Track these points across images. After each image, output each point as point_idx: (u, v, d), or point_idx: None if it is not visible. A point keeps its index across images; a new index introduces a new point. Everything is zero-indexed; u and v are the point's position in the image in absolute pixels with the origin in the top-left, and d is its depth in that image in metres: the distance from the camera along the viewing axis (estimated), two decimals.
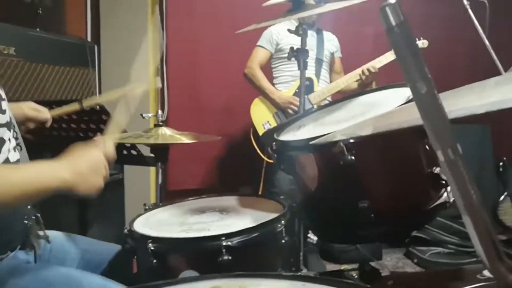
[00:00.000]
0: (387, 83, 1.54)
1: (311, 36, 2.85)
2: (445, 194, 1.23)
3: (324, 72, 2.85)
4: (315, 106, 2.67)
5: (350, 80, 2.72)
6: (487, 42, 2.08)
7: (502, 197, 2.65)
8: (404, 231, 1.39)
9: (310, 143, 1.14)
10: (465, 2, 2.11)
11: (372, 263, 1.71)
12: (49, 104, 1.71)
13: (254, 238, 1.28)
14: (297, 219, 1.49)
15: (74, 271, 1.16)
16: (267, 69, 2.92)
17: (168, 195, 3.00)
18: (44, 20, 2.61)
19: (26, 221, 1.18)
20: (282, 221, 1.36)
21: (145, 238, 1.30)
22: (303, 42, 1.87)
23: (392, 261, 2.89)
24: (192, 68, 3.23)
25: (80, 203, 2.48)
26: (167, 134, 1.89)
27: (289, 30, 1.92)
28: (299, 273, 1.46)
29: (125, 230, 1.42)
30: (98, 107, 1.77)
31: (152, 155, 2.00)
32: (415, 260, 2.86)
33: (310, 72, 2.76)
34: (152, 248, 1.27)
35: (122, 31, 3.24)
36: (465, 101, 0.44)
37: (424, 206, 1.22)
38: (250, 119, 2.80)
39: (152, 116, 2.36)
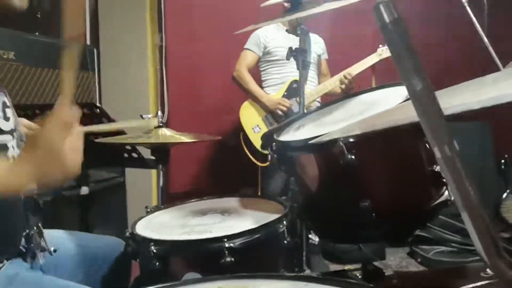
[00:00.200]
0: (386, 81, 1.54)
1: (297, 38, 2.87)
2: (446, 192, 1.22)
3: (312, 74, 2.87)
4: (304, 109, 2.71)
5: (336, 82, 2.72)
6: (485, 39, 2.08)
7: (504, 195, 2.64)
8: (405, 230, 1.39)
9: (310, 143, 1.14)
10: (464, 0, 2.11)
11: (376, 263, 1.70)
12: (49, 108, 1.71)
13: (256, 239, 1.28)
14: (299, 219, 1.49)
15: (72, 285, 1.15)
16: (257, 72, 2.93)
17: (170, 197, 3.00)
18: (43, 24, 2.62)
19: (27, 230, 1.17)
20: (284, 222, 1.36)
21: (147, 240, 1.30)
22: (302, 42, 1.88)
23: (395, 261, 2.88)
24: (191, 69, 3.23)
25: (82, 206, 2.48)
26: (167, 135, 1.89)
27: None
28: (302, 274, 1.46)
29: (127, 233, 1.42)
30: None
31: (153, 157, 2.00)
32: (419, 259, 2.85)
33: (296, 75, 2.78)
34: (155, 250, 1.27)
35: (121, 34, 3.25)
36: (462, 98, 0.44)
37: (425, 205, 1.22)
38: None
39: (152, 117, 2.36)
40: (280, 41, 2.81)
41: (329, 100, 2.37)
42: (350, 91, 2.67)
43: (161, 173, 2.25)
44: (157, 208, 1.69)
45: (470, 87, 0.55)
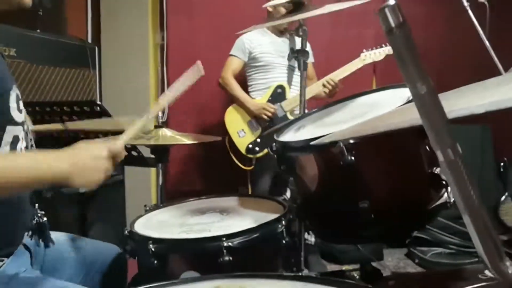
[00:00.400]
0: (387, 83, 1.54)
1: (283, 42, 2.90)
2: (446, 195, 1.22)
3: (297, 79, 2.88)
4: (288, 113, 2.75)
5: (320, 87, 2.73)
6: (487, 43, 2.08)
7: (503, 198, 2.65)
8: (404, 231, 1.39)
9: (310, 143, 1.14)
10: (465, 3, 2.11)
11: (374, 264, 1.71)
12: (50, 106, 1.72)
13: (254, 239, 1.28)
14: (298, 219, 1.50)
15: (72, 286, 1.15)
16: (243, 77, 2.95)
17: (169, 196, 3.00)
18: (45, 22, 2.62)
19: (38, 218, 1.19)
20: (283, 222, 1.36)
21: (146, 239, 1.30)
22: (304, 43, 1.88)
23: (393, 262, 2.89)
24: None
25: (81, 204, 2.48)
26: (167, 135, 1.89)
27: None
28: (300, 274, 1.46)
29: (126, 231, 1.42)
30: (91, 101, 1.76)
31: (152, 156, 2.00)
32: (417, 261, 2.86)
33: (282, 80, 2.81)
34: (153, 249, 1.27)
35: (123, 32, 3.25)
36: (464, 101, 0.44)
37: (425, 207, 1.22)
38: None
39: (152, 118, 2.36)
40: (265, 47, 2.84)
41: (315, 104, 2.38)
42: (334, 95, 2.68)
43: (161, 171, 2.25)
44: (156, 207, 1.69)
45: (472, 91, 0.55)
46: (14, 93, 1.09)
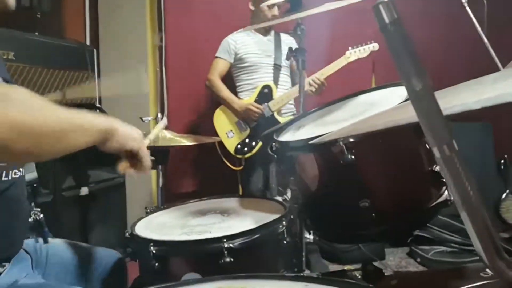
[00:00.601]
0: (386, 81, 1.54)
1: (268, 41, 2.92)
2: (446, 192, 1.22)
3: (284, 78, 2.89)
4: (276, 113, 2.76)
5: (307, 86, 2.73)
6: (485, 40, 2.07)
7: (504, 195, 2.64)
8: (405, 230, 1.39)
9: (310, 143, 1.14)
10: (463, 0, 2.11)
11: (375, 263, 1.71)
12: None
13: (255, 240, 1.28)
14: (298, 219, 1.49)
15: None
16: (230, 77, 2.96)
17: (169, 198, 2.99)
18: (43, 24, 2.61)
19: (35, 216, 1.19)
20: (284, 222, 1.36)
21: (147, 241, 1.30)
22: (301, 42, 1.87)
23: (395, 261, 2.88)
24: (191, 69, 3.23)
25: (82, 206, 2.48)
26: (167, 137, 1.89)
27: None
28: (301, 274, 1.46)
29: (127, 234, 1.42)
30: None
31: (152, 158, 2.00)
32: (418, 260, 2.85)
33: (268, 80, 2.82)
34: (154, 251, 1.27)
35: (121, 34, 3.25)
36: (461, 98, 0.44)
37: (425, 205, 1.22)
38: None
39: (152, 120, 2.37)
40: (250, 47, 2.85)
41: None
42: (321, 92, 2.69)
43: (161, 173, 2.25)
44: (156, 209, 1.69)
45: (469, 87, 0.55)
46: None
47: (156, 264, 1.26)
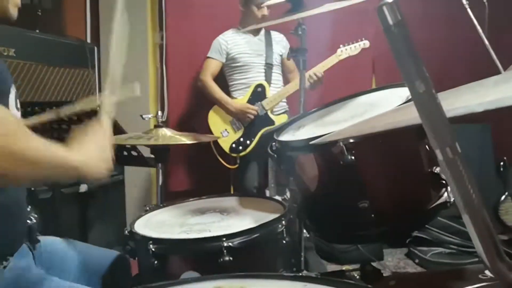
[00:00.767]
0: (387, 82, 1.54)
1: (259, 41, 2.92)
2: (446, 194, 1.22)
3: (276, 76, 2.90)
4: (269, 112, 2.79)
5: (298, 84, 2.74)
6: (486, 42, 2.08)
7: (503, 197, 2.64)
8: (404, 231, 1.39)
9: (310, 143, 1.14)
10: (464, 2, 2.11)
11: (374, 264, 1.71)
12: (49, 106, 1.71)
13: (254, 239, 1.28)
14: (298, 219, 1.49)
15: (76, 286, 1.15)
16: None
17: (169, 196, 2.99)
18: (44, 22, 2.61)
19: (29, 221, 1.18)
20: (283, 221, 1.36)
21: (146, 239, 1.30)
22: (302, 42, 1.87)
23: (393, 262, 2.88)
24: (192, 67, 3.23)
25: (81, 204, 2.48)
26: (167, 135, 1.89)
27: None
28: (300, 274, 1.46)
29: (126, 232, 1.42)
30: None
31: (152, 156, 2.00)
32: (417, 261, 2.85)
33: (260, 79, 2.84)
34: (153, 249, 1.27)
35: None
36: (464, 100, 0.44)
37: (425, 206, 1.22)
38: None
39: (152, 117, 2.36)
40: (242, 47, 2.86)
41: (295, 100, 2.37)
42: (317, 88, 2.69)
43: (161, 171, 2.25)
44: (156, 207, 1.69)
45: (471, 89, 0.55)
46: (13, 91, 1.10)
47: (155, 262, 1.26)
